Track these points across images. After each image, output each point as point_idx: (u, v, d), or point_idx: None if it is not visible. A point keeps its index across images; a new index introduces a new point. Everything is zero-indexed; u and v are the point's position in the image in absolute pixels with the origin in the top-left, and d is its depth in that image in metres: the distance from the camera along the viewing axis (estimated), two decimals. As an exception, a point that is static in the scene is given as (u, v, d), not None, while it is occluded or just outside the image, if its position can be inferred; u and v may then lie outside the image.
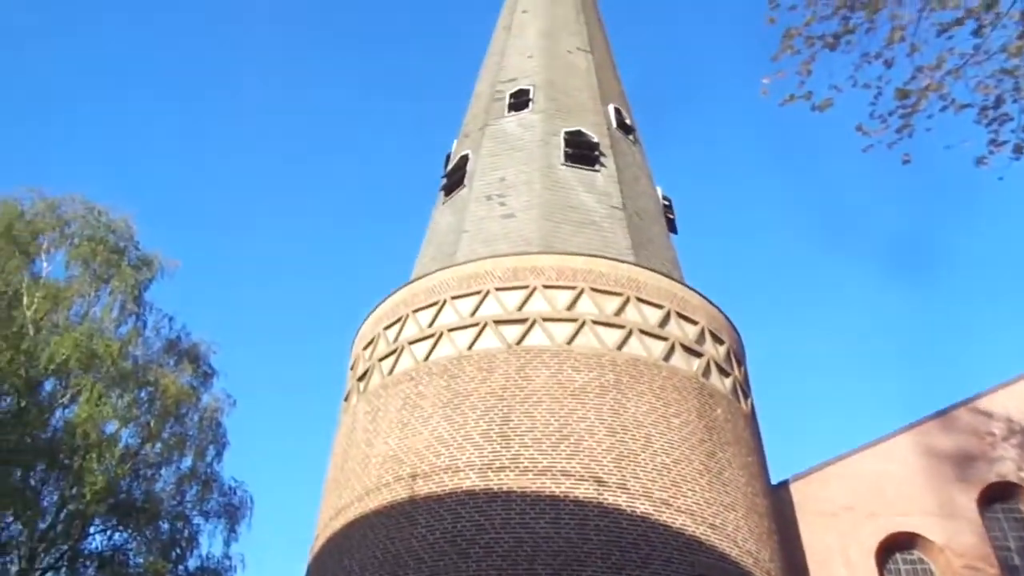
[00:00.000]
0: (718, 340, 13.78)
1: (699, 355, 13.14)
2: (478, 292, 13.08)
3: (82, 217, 20.93)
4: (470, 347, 12.40)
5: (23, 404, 18.06)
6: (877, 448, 15.02)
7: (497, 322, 12.57)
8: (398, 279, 14.91)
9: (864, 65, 6.32)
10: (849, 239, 54.70)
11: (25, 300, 19.31)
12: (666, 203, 18.38)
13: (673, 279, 14.12)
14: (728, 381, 13.45)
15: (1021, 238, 45.41)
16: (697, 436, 11.84)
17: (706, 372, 13.03)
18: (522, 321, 12.53)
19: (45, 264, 20.55)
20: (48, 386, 18.92)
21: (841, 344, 52.27)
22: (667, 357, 12.64)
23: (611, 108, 19.00)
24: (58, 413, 18.58)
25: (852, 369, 54.14)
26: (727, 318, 14.55)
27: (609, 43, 22.96)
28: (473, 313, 12.87)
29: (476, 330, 12.58)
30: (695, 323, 13.50)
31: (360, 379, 13.90)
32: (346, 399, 14.41)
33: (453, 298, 13.22)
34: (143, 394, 19.81)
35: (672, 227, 18.05)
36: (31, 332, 18.88)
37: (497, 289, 13.02)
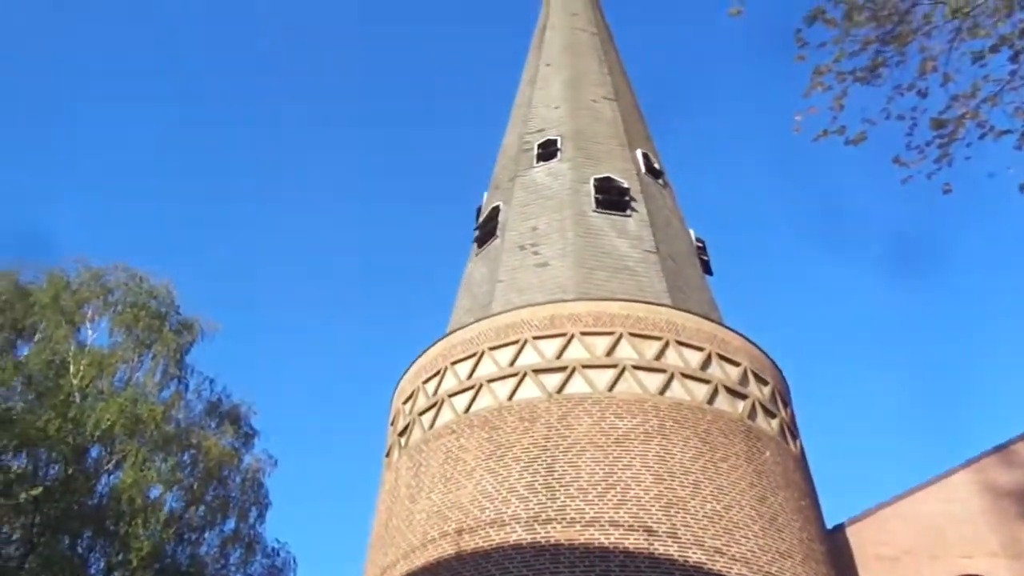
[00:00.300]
0: (762, 381, 13.54)
1: (744, 397, 12.90)
2: (516, 342, 13.06)
3: (125, 285, 21.44)
4: (510, 397, 12.33)
5: (70, 471, 18.27)
6: (935, 487, 14.50)
7: (536, 371, 12.50)
8: (435, 332, 15.00)
9: (897, 97, 6.30)
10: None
11: (72, 368, 19.68)
12: (699, 245, 18.31)
13: (712, 320, 13.97)
14: (775, 422, 13.16)
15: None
16: (747, 480, 11.54)
17: (752, 414, 12.78)
18: (561, 369, 12.45)
19: (90, 332, 20.99)
20: (94, 452, 19.12)
21: (881, 383, 51.15)
22: (711, 400, 12.43)
23: (639, 153, 19.13)
24: (104, 479, 18.74)
25: (893, 406, 52.74)
26: (770, 358, 14.30)
27: (633, 90, 23.23)
28: (512, 363, 12.83)
29: (516, 380, 12.52)
30: (737, 364, 13.29)
31: (401, 434, 13.86)
32: (387, 455, 14.36)
33: (491, 349, 13.20)
34: (186, 457, 19.95)
35: (707, 269, 17.93)
36: (77, 399, 19.19)
37: (535, 338, 12.99)
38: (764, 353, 14.19)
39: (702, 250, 18.26)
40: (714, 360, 13.05)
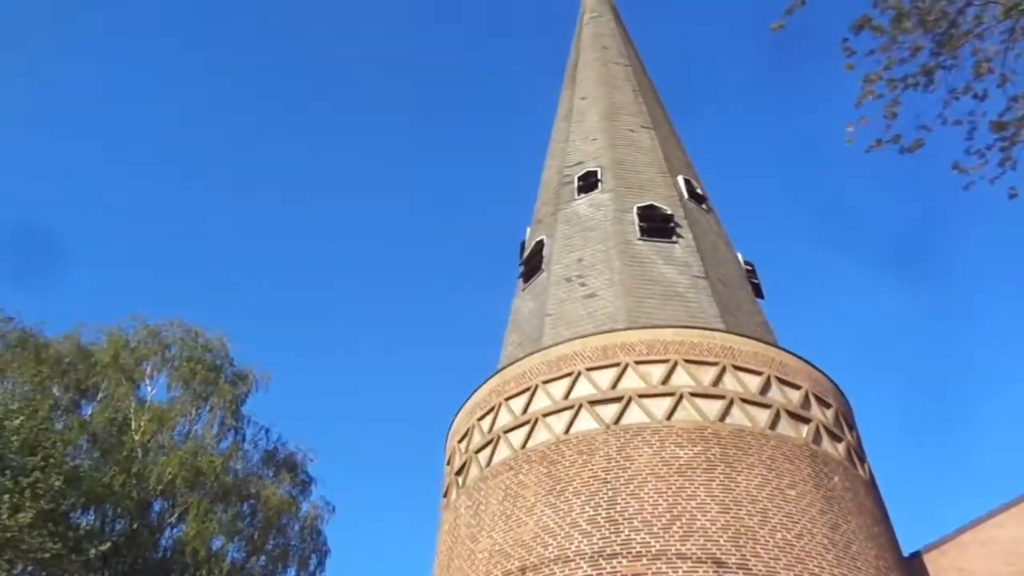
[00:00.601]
0: (824, 404, 13.15)
1: (807, 421, 12.54)
2: (569, 374, 12.93)
3: (181, 340, 21.95)
4: (567, 431, 12.18)
5: (135, 526, 18.56)
6: (1014, 510, 13.83)
7: (592, 403, 12.35)
8: (486, 370, 14.95)
9: (953, 102, 6.14)
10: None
11: (133, 424, 20.12)
12: (748, 268, 18.04)
13: (768, 343, 13.67)
14: (841, 447, 12.74)
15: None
16: (817, 507, 11.15)
17: (816, 438, 12.39)
18: (617, 400, 12.27)
19: (150, 388, 21.49)
20: (157, 507, 19.43)
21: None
22: (773, 425, 12.10)
23: (680, 179, 19.04)
24: (167, 532, 19.00)
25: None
26: (831, 380, 13.90)
27: (670, 118, 23.23)
28: (566, 396, 12.69)
29: (571, 413, 12.37)
30: (798, 387, 12.95)
31: (458, 473, 13.76)
32: (445, 495, 14.26)
33: (544, 382, 13.09)
34: (245, 507, 20.15)
35: (758, 292, 17.63)
36: (139, 455, 19.58)
37: (588, 369, 12.85)
38: (825, 375, 13.81)
39: (751, 273, 17.97)
40: (773, 384, 12.73)
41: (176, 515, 19.05)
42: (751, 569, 10.07)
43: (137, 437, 19.97)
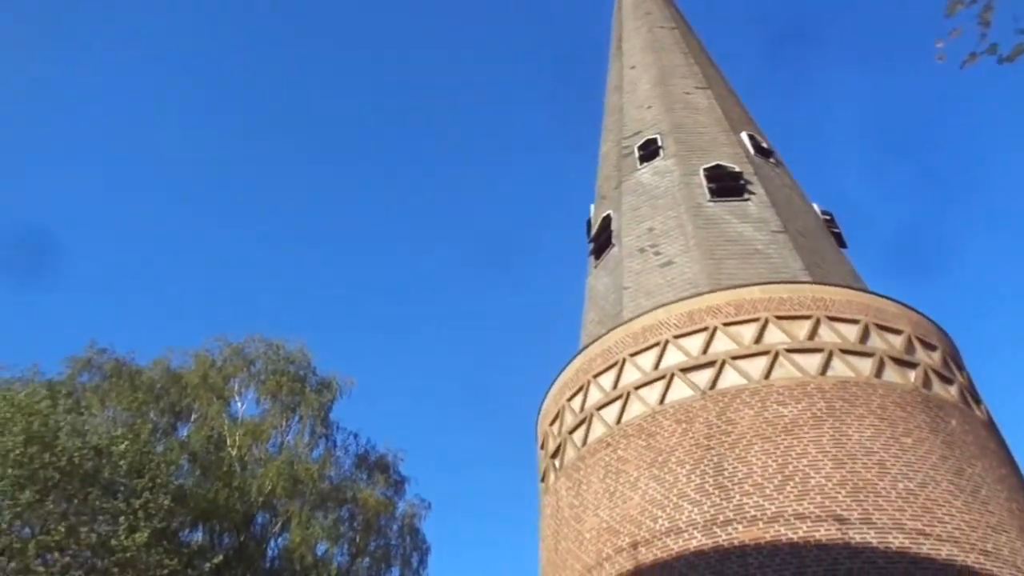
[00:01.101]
0: (929, 347, 12.50)
1: (913, 365, 11.92)
2: (656, 344, 12.61)
3: (264, 354, 22.36)
4: (662, 401, 11.87)
5: (243, 538, 19.02)
6: None
7: (684, 370, 12.01)
8: (562, 353, 14.75)
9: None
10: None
11: (228, 440, 20.61)
12: (827, 218, 17.33)
13: (861, 290, 13.06)
14: (953, 388, 12.08)
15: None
16: (937, 453, 10.57)
17: (926, 382, 11.77)
18: (710, 364, 11.90)
19: (240, 404, 21.99)
20: (260, 519, 19.85)
21: None
22: (878, 373, 11.54)
23: (744, 136, 18.43)
24: (272, 543, 19.39)
25: None
26: (933, 322, 13.22)
27: (724, 75, 22.54)
28: (656, 366, 12.38)
29: (664, 383, 12.05)
30: (899, 332, 12.33)
31: (553, 456, 13.60)
32: (543, 479, 14.12)
33: (632, 355, 12.81)
34: (344, 512, 20.41)
35: (840, 242, 16.92)
36: (238, 469, 20.04)
37: (675, 337, 12.50)
38: (926, 317, 13.13)
39: (830, 223, 17.25)
40: (872, 331, 12.15)
41: (279, 524, 19.43)
42: (875, 523, 9.60)
43: (234, 452, 20.44)
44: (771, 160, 18.21)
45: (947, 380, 12.13)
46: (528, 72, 67.63)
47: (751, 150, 17.94)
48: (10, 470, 13.61)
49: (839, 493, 9.93)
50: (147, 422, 18.78)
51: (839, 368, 11.51)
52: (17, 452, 13.74)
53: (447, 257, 64.82)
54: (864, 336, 12.06)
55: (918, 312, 13.07)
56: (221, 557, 16.17)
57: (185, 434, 20.40)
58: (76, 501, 14.40)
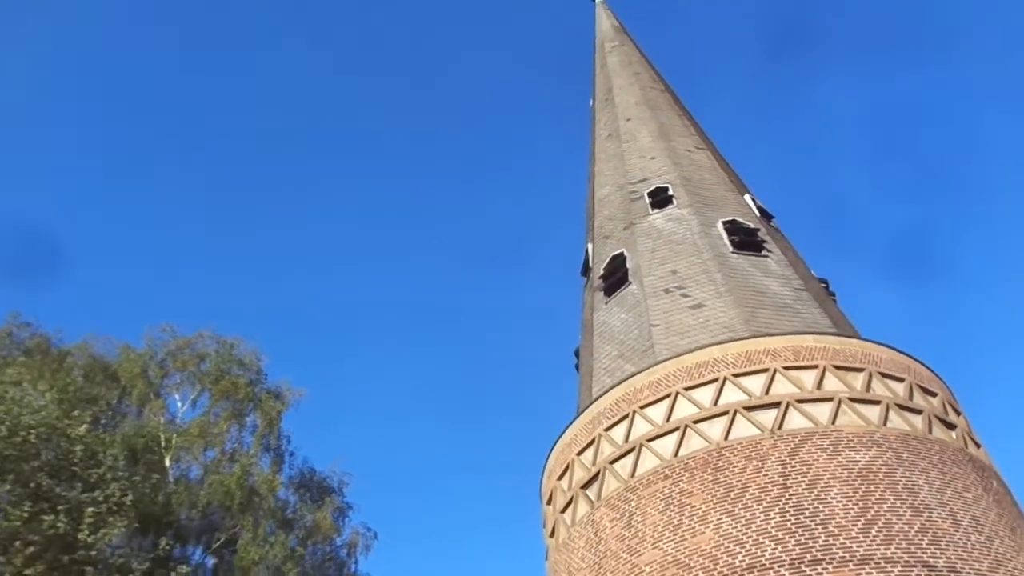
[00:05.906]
0: (957, 411, 13.20)
1: (953, 427, 12.51)
2: (713, 380, 12.57)
3: (215, 353, 20.50)
4: (727, 436, 11.77)
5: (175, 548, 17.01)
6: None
7: (748, 408, 12.00)
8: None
9: None
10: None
11: (166, 441, 18.59)
12: (823, 284, 18.18)
13: (899, 351, 13.66)
14: (982, 452, 12.76)
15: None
16: (994, 511, 11.04)
17: (966, 443, 12.37)
18: (774, 405, 11.96)
19: (179, 403, 19.97)
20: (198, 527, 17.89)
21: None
22: (929, 430, 12.02)
23: (747, 198, 19.16)
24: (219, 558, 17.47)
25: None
26: (950, 389, 13.99)
27: (713, 142, 23.49)
28: (715, 402, 12.31)
29: (726, 419, 11.98)
30: (935, 395, 12.95)
31: (585, 487, 13.10)
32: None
33: (686, 389, 12.69)
34: (294, 534, 18.76)
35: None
36: (175, 474, 18.06)
37: (734, 375, 12.52)
38: (946, 385, 13.87)
39: (827, 288, 18.11)
40: (916, 391, 12.69)
41: (222, 540, 17.54)
42: (960, 572, 9.82)
43: (171, 455, 18.46)
44: (772, 223, 18.98)
45: (976, 444, 12.82)
46: (528, 72, 67.65)
47: (756, 212, 18.64)
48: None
49: (922, 540, 10.11)
50: (86, 410, 16.65)
51: (896, 421, 11.88)
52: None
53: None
54: (910, 394, 12.56)
55: (941, 379, 13.78)
56: (188, 569, 14.31)
57: (122, 430, 18.21)
58: (33, 485, 12.42)
